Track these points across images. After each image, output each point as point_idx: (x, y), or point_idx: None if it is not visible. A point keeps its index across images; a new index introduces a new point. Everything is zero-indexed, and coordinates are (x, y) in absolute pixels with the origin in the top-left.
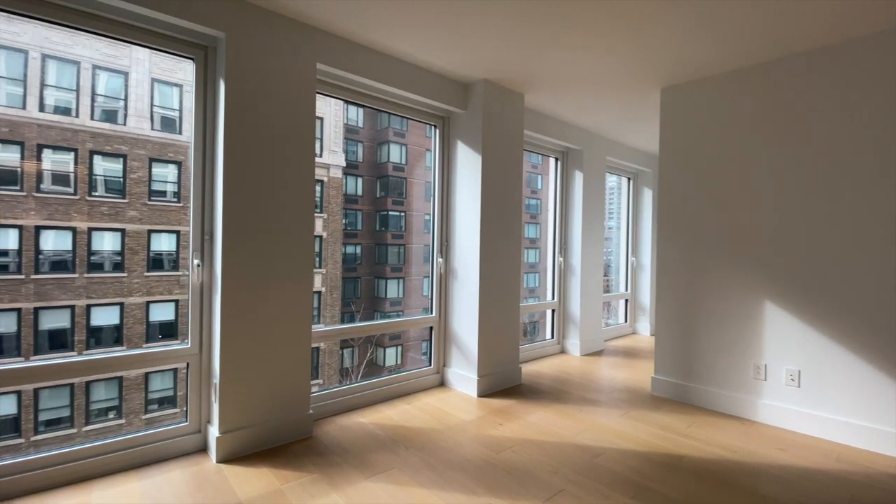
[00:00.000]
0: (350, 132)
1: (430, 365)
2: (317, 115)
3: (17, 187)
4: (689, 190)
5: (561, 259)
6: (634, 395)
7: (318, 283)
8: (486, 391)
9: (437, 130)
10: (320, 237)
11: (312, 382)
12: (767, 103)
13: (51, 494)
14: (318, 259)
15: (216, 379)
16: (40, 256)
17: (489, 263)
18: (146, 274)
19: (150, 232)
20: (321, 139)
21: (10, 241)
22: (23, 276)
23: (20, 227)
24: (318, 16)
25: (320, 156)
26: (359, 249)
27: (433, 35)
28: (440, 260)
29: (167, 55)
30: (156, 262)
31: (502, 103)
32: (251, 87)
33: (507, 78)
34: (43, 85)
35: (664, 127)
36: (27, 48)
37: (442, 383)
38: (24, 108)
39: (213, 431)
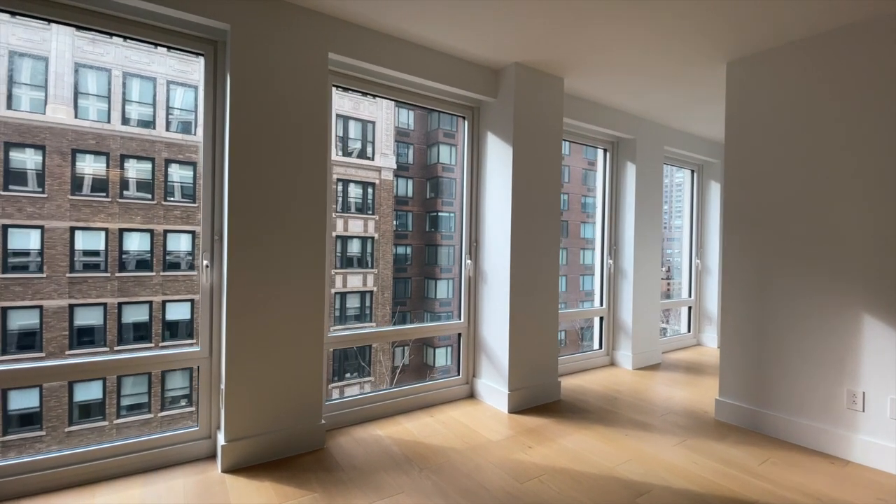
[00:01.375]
0: (401, 135)
1: (459, 375)
2: (368, 118)
3: (104, 194)
4: (762, 180)
5: (610, 261)
6: (694, 419)
7: (370, 283)
8: (519, 407)
9: (466, 122)
10: (372, 238)
11: (363, 380)
12: (865, 74)
13: (56, 496)
14: (370, 259)
15: (223, 384)
16: (124, 256)
17: (521, 266)
18: (336, 271)
19: None
20: (373, 143)
21: (99, 242)
22: (108, 274)
23: (106, 230)
24: (328, 1)
25: (372, 159)
26: (409, 250)
27: (459, 15)
28: (468, 261)
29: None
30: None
31: (537, 89)
32: (257, 81)
33: (544, 60)
34: (125, 100)
35: (731, 108)
36: (110, 67)
37: (471, 395)
38: (108, 121)
39: (221, 439)
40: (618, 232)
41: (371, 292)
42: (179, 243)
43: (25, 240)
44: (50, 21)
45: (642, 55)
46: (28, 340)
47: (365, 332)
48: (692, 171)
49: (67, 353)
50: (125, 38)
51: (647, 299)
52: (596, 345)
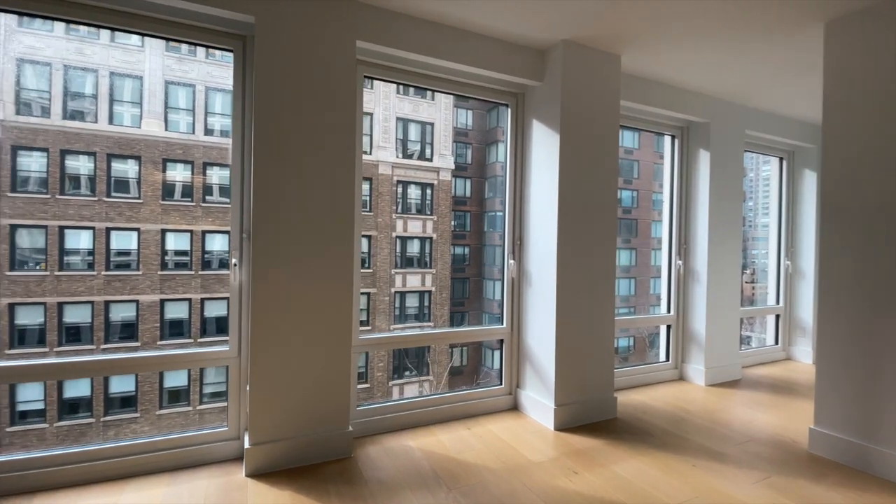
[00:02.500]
0: (459, 135)
1: (502, 384)
2: (427, 120)
3: (189, 199)
4: (869, 165)
5: (680, 263)
6: (782, 451)
7: (428, 283)
8: (566, 424)
9: (509, 110)
10: (430, 238)
11: (422, 378)
12: None
13: (86, 490)
14: (428, 259)
15: (248, 385)
16: (206, 256)
17: (570, 267)
18: (395, 271)
19: None
20: (431, 144)
21: (185, 242)
22: (192, 272)
23: (191, 232)
24: None
25: (430, 160)
26: (467, 250)
27: None
28: (511, 262)
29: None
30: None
31: (589, 69)
32: (283, 73)
33: (597, 35)
34: (207, 112)
35: (830, 78)
36: (194, 83)
37: (514, 407)
38: (193, 132)
39: (246, 442)
40: (688, 229)
41: (429, 292)
42: None
43: (125, 241)
44: (85, 24)
45: (719, 22)
46: (128, 331)
47: (397, 336)
48: (780, 159)
49: (159, 343)
50: (156, 37)
51: (723, 306)
52: (662, 356)
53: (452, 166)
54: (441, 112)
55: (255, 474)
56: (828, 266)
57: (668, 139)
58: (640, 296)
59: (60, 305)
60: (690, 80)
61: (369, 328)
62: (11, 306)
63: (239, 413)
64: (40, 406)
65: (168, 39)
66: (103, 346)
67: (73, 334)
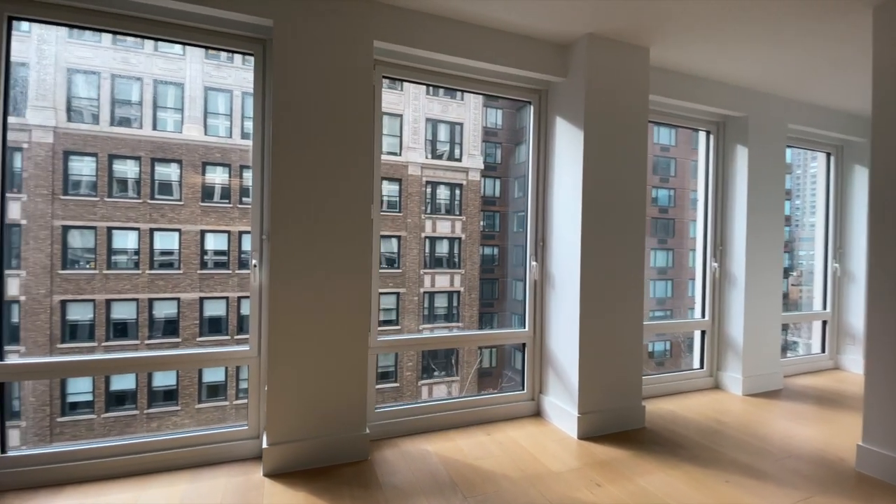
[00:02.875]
0: (489, 134)
1: (524, 389)
2: (456, 120)
3: (227, 200)
4: None
5: (715, 264)
6: (826, 469)
7: (457, 283)
8: (591, 433)
9: (532, 108)
10: (459, 239)
11: (449, 379)
12: None
13: (110, 484)
14: (457, 260)
15: (266, 386)
16: (242, 256)
17: (595, 268)
18: (424, 271)
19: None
20: (461, 144)
21: (223, 243)
22: (230, 271)
23: (228, 232)
24: None
25: (459, 160)
26: (496, 251)
27: None
28: (533, 263)
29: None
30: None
31: (615, 62)
32: (299, 75)
33: (623, 28)
34: (243, 117)
35: (880, 64)
36: (231, 88)
37: (537, 413)
38: (230, 136)
39: (264, 441)
40: (725, 229)
41: (458, 293)
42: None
43: (168, 241)
44: (110, 32)
45: (757, 9)
46: (170, 327)
47: (415, 338)
48: (828, 155)
49: (198, 339)
50: (181, 43)
51: (763, 310)
52: (696, 363)
53: (482, 166)
54: (470, 112)
55: (273, 474)
56: (878, 268)
57: (702, 135)
58: (678, 298)
59: (108, 302)
60: (726, 72)
61: (398, 328)
62: (63, 303)
63: (259, 412)
64: (89, 398)
65: (191, 45)
66: (147, 342)
67: (120, 330)
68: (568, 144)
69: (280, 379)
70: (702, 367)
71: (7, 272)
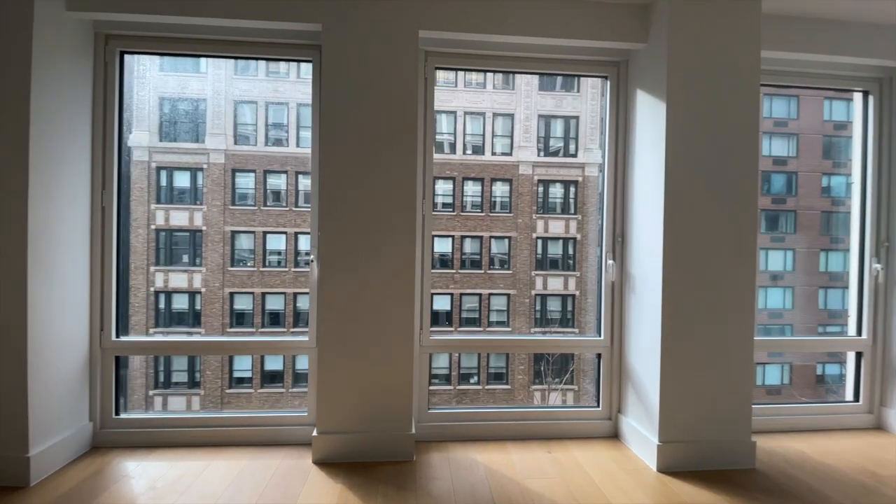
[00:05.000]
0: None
1: (599, 406)
2: (571, 114)
3: (451, 209)
4: None
5: (878, 267)
6: None
7: (571, 286)
8: (675, 466)
9: (608, 83)
10: (574, 239)
11: (565, 387)
12: None
13: (189, 451)
14: (572, 262)
15: (316, 376)
16: (463, 256)
17: (683, 269)
18: (536, 272)
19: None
20: (576, 139)
21: (447, 246)
22: (453, 270)
23: (452, 237)
24: None
25: (575, 156)
26: None
27: None
28: (610, 262)
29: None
30: (553, 262)
31: (712, 15)
32: (345, 75)
33: None
34: (465, 133)
35: None
36: (455, 110)
37: (614, 435)
38: (454, 152)
39: (314, 430)
40: (889, 223)
41: (573, 296)
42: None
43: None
44: (196, 56)
45: None
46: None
47: (471, 340)
48: None
49: (292, 329)
50: (245, 58)
51: None
52: (849, 394)
53: (600, 160)
54: (587, 103)
55: (321, 462)
56: None
57: (856, 99)
58: (803, 310)
59: (263, 295)
60: (887, 8)
61: (509, 329)
62: (231, 294)
63: (315, 400)
64: (249, 374)
65: (259, 59)
66: (292, 330)
67: (273, 319)
68: (650, 120)
69: (328, 370)
70: (856, 399)
71: (193, 269)
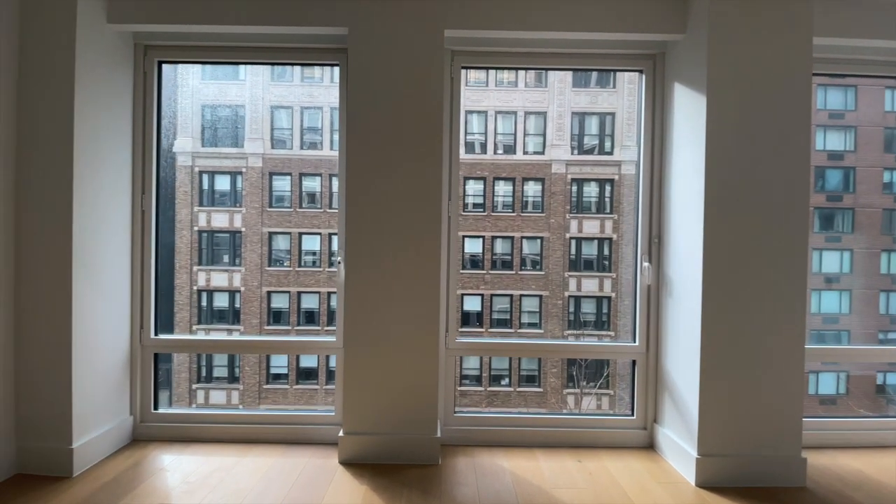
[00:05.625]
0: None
1: (633, 415)
2: (607, 110)
3: (482, 209)
4: None
5: None
6: None
7: (607, 288)
8: (716, 481)
9: (644, 77)
10: (609, 239)
11: (601, 391)
12: None
13: (220, 447)
14: (608, 262)
15: (343, 376)
16: (493, 256)
17: (726, 272)
18: (569, 273)
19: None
20: (612, 136)
21: (477, 247)
22: (484, 271)
23: (483, 237)
24: None
25: (611, 153)
26: None
27: None
28: (645, 264)
29: None
30: (587, 263)
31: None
32: (370, 77)
33: None
34: (496, 132)
35: None
36: (486, 109)
37: (650, 446)
38: (484, 152)
39: (341, 430)
40: None
41: (608, 298)
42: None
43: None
44: (231, 64)
45: None
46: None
47: (500, 343)
48: None
49: (325, 328)
50: (274, 64)
51: None
52: None
53: (636, 157)
54: (623, 99)
55: (346, 462)
56: None
57: None
58: (861, 316)
59: (299, 294)
60: None
61: (541, 331)
62: (269, 293)
63: (342, 400)
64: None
65: (290, 64)
66: (325, 328)
67: (308, 317)
68: (689, 115)
69: (354, 371)
70: None
71: (233, 268)
